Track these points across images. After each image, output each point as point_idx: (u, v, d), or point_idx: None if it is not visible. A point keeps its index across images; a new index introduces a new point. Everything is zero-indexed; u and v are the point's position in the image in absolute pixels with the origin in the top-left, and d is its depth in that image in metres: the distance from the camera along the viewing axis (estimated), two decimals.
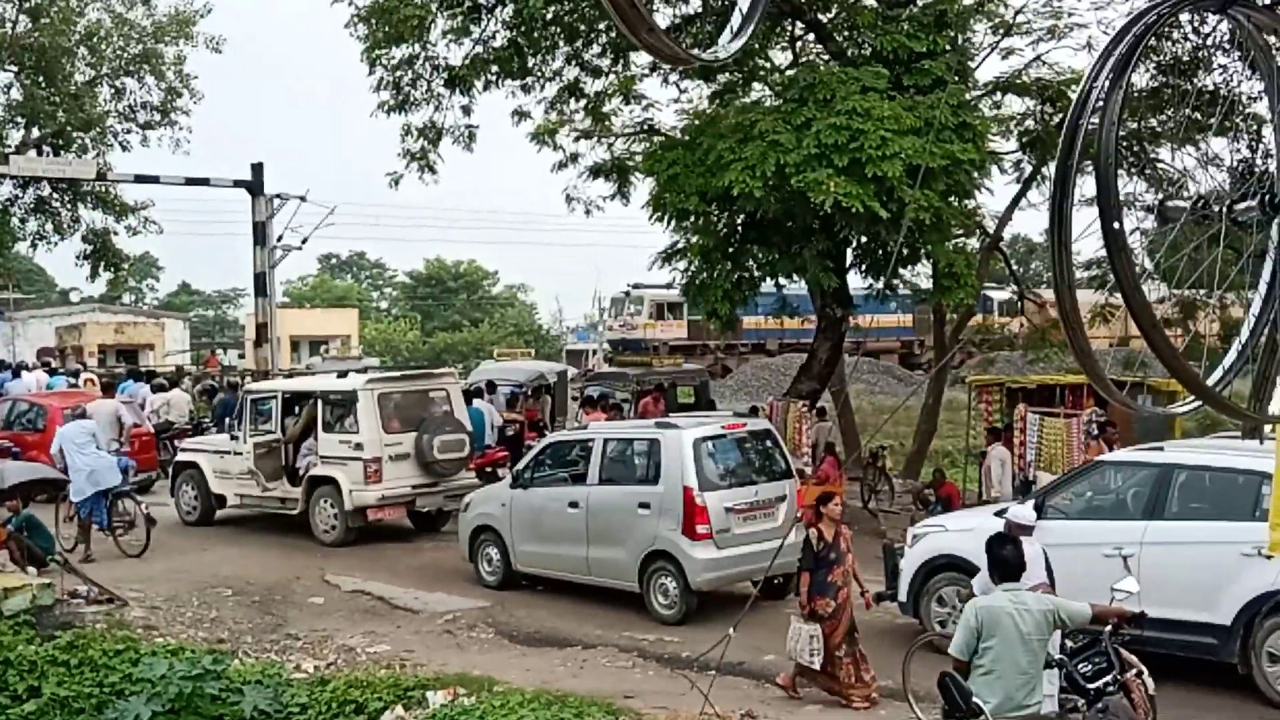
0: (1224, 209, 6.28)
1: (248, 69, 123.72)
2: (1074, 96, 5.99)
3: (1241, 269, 6.84)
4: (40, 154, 36.42)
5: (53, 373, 31.05)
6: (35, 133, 37.06)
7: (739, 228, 20.63)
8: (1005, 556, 8.19)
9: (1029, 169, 25.01)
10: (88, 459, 17.51)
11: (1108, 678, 8.65)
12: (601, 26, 21.11)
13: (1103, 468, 13.25)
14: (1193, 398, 6.58)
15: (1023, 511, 11.17)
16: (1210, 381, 6.39)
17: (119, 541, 17.97)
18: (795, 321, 57.60)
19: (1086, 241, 6.05)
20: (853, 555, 11.97)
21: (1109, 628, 8.90)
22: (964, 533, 12.95)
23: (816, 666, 11.47)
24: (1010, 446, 20.08)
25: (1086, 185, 5.91)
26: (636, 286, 58.60)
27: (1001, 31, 23.11)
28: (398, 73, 22.12)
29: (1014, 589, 8.01)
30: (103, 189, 37.28)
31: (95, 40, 36.78)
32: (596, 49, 22.39)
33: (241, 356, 60.10)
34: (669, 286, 57.69)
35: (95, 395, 24.10)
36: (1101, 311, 21.58)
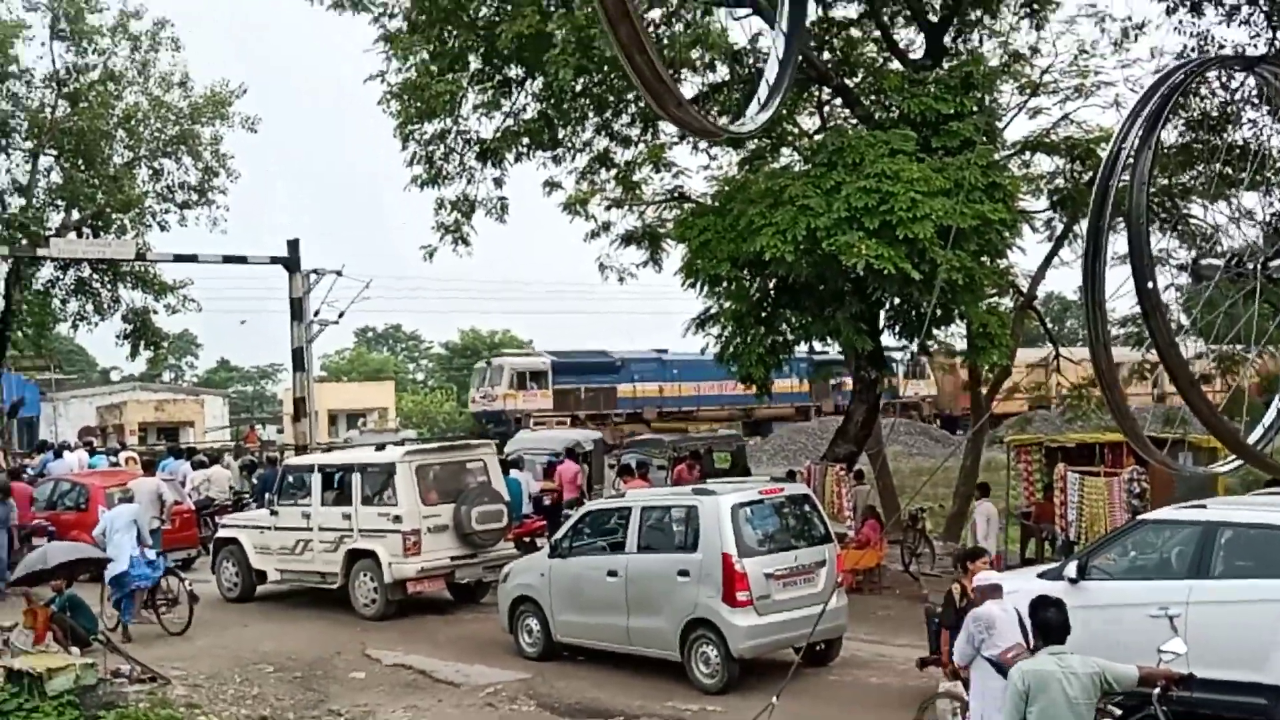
0: (1259, 265, 6.27)
1: (283, 147, 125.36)
2: (1103, 154, 6.02)
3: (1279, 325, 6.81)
4: (80, 236, 36.98)
5: (94, 452, 31.29)
6: (75, 215, 37.61)
7: (771, 292, 20.67)
8: (1049, 619, 8.10)
9: (1060, 227, 25.01)
10: (122, 550, 17.58)
11: None
12: (630, 97, 21.32)
13: (1145, 526, 13.10)
14: (1233, 456, 6.54)
15: (989, 575, 10.92)
16: (1251, 439, 6.35)
17: (161, 619, 18.03)
18: (674, 388, 57.04)
19: (1122, 300, 6.06)
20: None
21: (1157, 690, 8.77)
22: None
23: None
24: (1050, 506, 19.94)
25: (1119, 243, 5.92)
26: (497, 354, 57.50)
27: (1029, 91, 23.23)
28: (430, 147, 22.41)
29: (1059, 652, 7.93)
30: (142, 269, 37.76)
31: (133, 123, 37.37)
32: (625, 119, 22.61)
33: (280, 431, 60.47)
34: (537, 354, 55.54)
35: (137, 474, 24.28)
36: (1139, 369, 21.47)
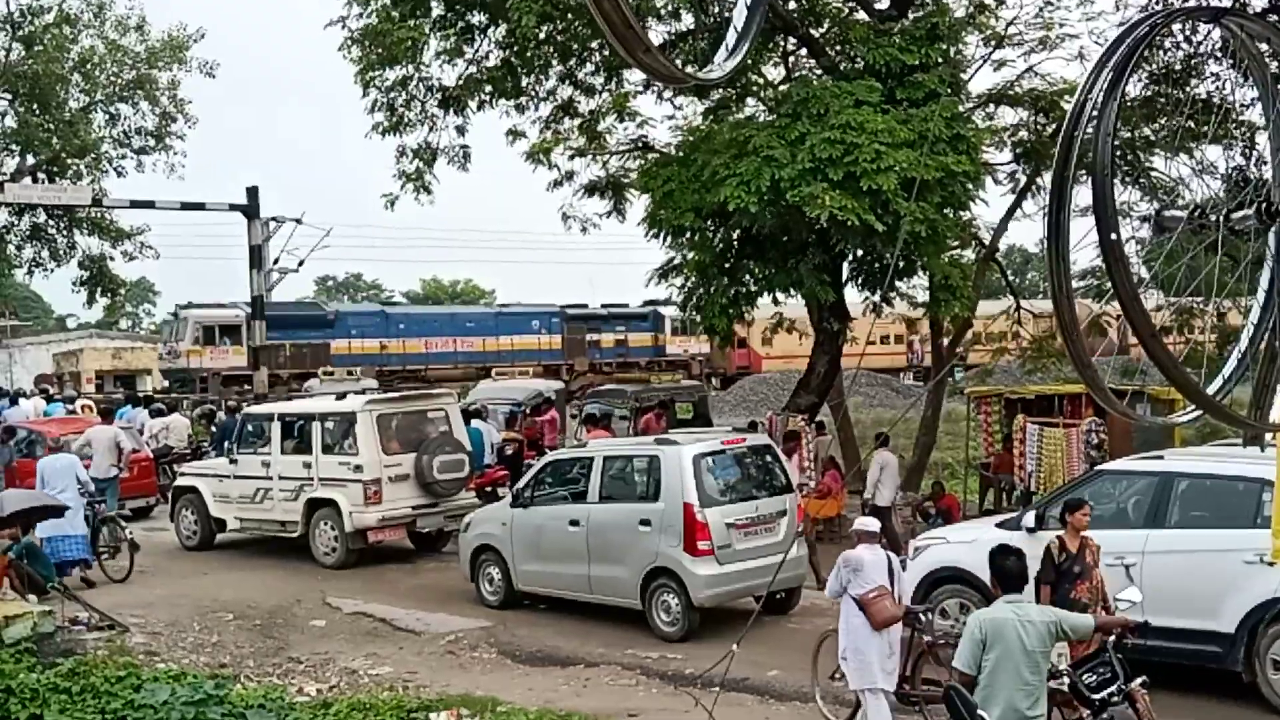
0: (1220, 217, 6.28)
1: (242, 92, 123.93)
2: (1067, 107, 6.01)
3: (1239, 277, 6.85)
4: (35, 181, 36.54)
5: (50, 399, 31.04)
6: (30, 160, 37.17)
7: (735, 243, 20.63)
8: (1007, 568, 8.18)
9: (1023, 179, 25.07)
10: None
11: (1112, 688, 8.63)
12: (594, 45, 21.13)
13: (1103, 477, 13.23)
14: (1193, 407, 6.58)
15: (867, 521, 11.29)
16: (1210, 390, 6.39)
17: (104, 566, 17.98)
18: (399, 344, 53.12)
19: (1083, 251, 6.07)
20: (1100, 570, 10.70)
21: (1112, 638, 8.88)
22: (965, 545, 12.94)
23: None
24: (1009, 457, 20.12)
25: (1082, 195, 5.93)
26: (186, 306, 52.23)
27: (993, 43, 23.21)
28: (391, 94, 22.14)
29: (1016, 600, 8.01)
30: (98, 215, 37.40)
31: (89, 67, 36.90)
32: (590, 67, 22.42)
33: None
34: (231, 305, 49.90)
35: (94, 421, 24.10)
36: (1097, 321, 21.60)
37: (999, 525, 13.02)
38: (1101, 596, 10.41)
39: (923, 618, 11.25)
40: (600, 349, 57.92)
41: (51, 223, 37.90)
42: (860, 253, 20.14)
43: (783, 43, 22.28)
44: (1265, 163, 6.89)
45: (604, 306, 59.98)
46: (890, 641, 10.56)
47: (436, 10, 21.09)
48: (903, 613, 10.75)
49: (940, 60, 19.43)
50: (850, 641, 10.61)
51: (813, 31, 21.61)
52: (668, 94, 22.98)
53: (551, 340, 56.29)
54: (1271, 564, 10.07)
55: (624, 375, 53.26)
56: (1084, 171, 5.81)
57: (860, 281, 21.13)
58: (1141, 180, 20.65)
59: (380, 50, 21.05)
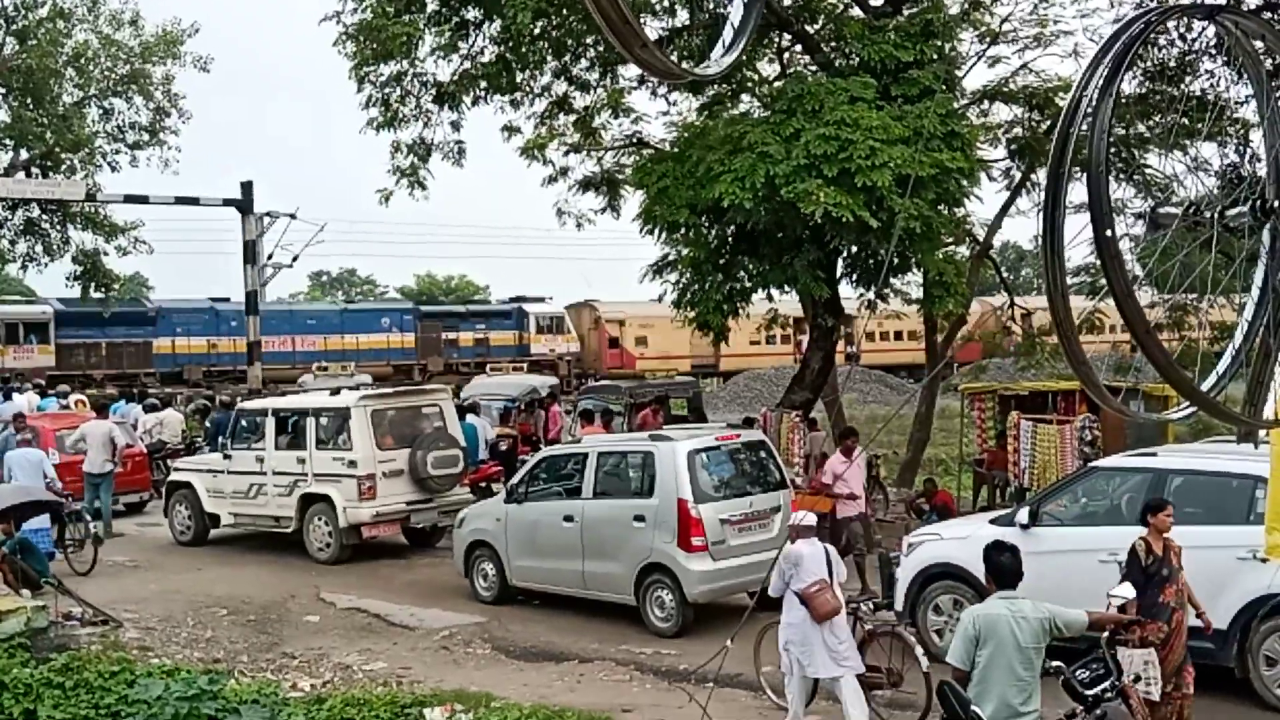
0: (1215, 214, 6.29)
1: (236, 87, 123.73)
2: (1061, 103, 6.02)
3: (1233, 274, 6.85)
4: (29, 176, 36.48)
5: (44, 394, 31.00)
6: (24, 154, 37.12)
7: (729, 239, 20.64)
8: (1002, 564, 8.18)
9: (1018, 176, 25.10)
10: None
11: (1105, 684, 8.64)
12: (590, 41, 21.13)
13: (1097, 473, 13.25)
14: (1187, 404, 6.59)
15: (804, 516, 11.51)
16: (1205, 387, 6.39)
17: (70, 559, 17.93)
18: (230, 343, 48.33)
19: (1077, 248, 6.07)
20: (1184, 572, 10.36)
21: (1106, 634, 8.90)
22: (959, 541, 12.95)
23: (1156, 697, 9.74)
24: (1003, 453, 20.12)
25: (1077, 192, 5.93)
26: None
27: (988, 40, 23.22)
28: (386, 90, 22.11)
29: (1010, 596, 8.02)
30: (92, 210, 37.33)
31: (83, 61, 36.85)
32: (585, 63, 22.42)
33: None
34: (41, 301, 46.44)
35: (88, 416, 24.08)
36: (1091, 319, 21.63)
37: (993, 522, 13.03)
38: (1188, 599, 10.22)
39: (863, 608, 11.56)
40: (458, 348, 55.37)
41: (45, 217, 37.84)
42: (855, 249, 20.16)
43: (778, 39, 22.29)
44: (1259, 160, 6.89)
45: (464, 303, 58.39)
46: (836, 631, 10.82)
47: (431, 5, 21.08)
48: (843, 603, 11.01)
49: (935, 57, 19.45)
50: (791, 634, 10.94)
51: (808, 28, 21.61)
52: (663, 90, 22.98)
53: (404, 339, 53.64)
54: (1265, 560, 10.09)
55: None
56: (1079, 168, 5.81)
57: (855, 278, 21.16)
58: (1136, 177, 20.67)
59: (375, 45, 21.02)
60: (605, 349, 53.64)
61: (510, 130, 23.32)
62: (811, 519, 11.49)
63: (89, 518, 18.54)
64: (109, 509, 21.18)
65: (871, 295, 20.90)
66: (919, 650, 11.13)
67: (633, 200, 23.07)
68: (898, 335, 52.95)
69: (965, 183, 19.65)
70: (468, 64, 21.71)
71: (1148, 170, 20.28)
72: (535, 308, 55.23)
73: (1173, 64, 14.92)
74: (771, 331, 51.61)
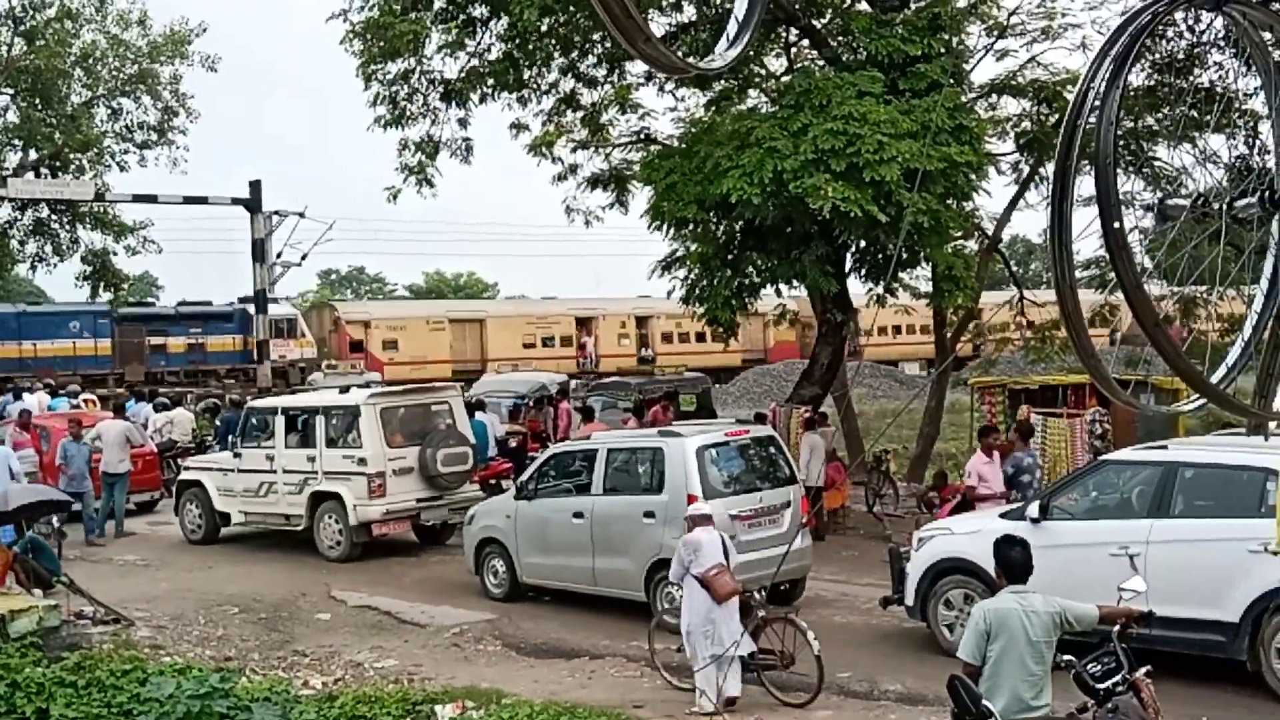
0: (1224, 206, 6.27)
1: (243, 86, 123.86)
2: (1070, 97, 6.01)
3: (1242, 266, 6.84)
4: (38, 176, 36.54)
5: (54, 394, 31.07)
6: (33, 155, 37.19)
7: (738, 235, 20.62)
8: (1013, 558, 8.15)
9: (1026, 170, 25.04)
10: None
11: (1117, 678, 8.61)
12: (596, 37, 21.13)
13: (1107, 467, 13.22)
14: (1197, 396, 6.57)
15: (701, 505, 12.39)
16: (1214, 379, 6.38)
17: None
18: (13, 348, 43.71)
19: (1086, 241, 6.06)
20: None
21: (1117, 628, 8.87)
22: (970, 535, 12.92)
23: None
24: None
25: (1085, 185, 5.91)
26: None
27: (996, 33, 23.16)
28: (393, 87, 22.15)
29: (1021, 591, 7.99)
30: (101, 209, 37.40)
31: (91, 61, 36.91)
32: (592, 60, 22.42)
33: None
34: None
35: (100, 415, 24.17)
36: (1101, 311, 21.60)
37: (1003, 516, 13.01)
38: None
39: (756, 595, 12.14)
40: (167, 355, 48.09)
41: (54, 217, 37.92)
42: (863, 244, 20.14)
43: (785, 34, 22.26)
44: (1268, 151, 6.87)
45: (179, 305, 51.41)
46: (730, 611, 11.56)
47: (438, 3, 21.10)
48: (741, 586, 11.72)
49: (942, 51, 19.43)
50: (693, 618, 11.60)
51: (815, 22, 21.59)
52: (670, 86, 22.96)
53: (99, 345, 46.00)
54: (1276, 553, 10.05)
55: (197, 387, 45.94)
56: (1087, 161, 5.80)
57: (863, 273, 21.12)
58: (1144, 170, 20.60)
59: (382, 43, 21.07)
60: (346, 353, 49.16)
61: (518, 127, 23.36)
62: (706, 508, 12.33)
63: (55, 521, 18.43)
64: (123, 508, 21.26)
65: (880, 290, 20.87)
66: (810, 635, 11.63)
67: (641, 196, 23.10)
68: (898, 329, 52.84)
69: (973, 177, 19.63)
70: (475, 61, 21.74)
71: (1156, 163, 20.22)
72: (278, 312, 47.67)
73: (1181, 56, 14.87)
74: (550, 334, 51.27)
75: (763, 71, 22.60)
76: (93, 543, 20.17)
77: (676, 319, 51.97)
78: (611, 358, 53.07)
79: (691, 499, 14.19)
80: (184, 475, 21.60)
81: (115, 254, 39.13)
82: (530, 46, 21.02)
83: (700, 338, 51.70)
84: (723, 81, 21.29)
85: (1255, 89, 7.08)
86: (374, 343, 49.37)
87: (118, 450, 21.04)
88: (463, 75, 21.83)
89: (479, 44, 21.60)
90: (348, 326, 51.67)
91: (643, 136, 23.92)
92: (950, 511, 16.51)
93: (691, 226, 20.47)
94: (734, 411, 35.64)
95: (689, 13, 21.57)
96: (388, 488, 18.83)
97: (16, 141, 37.43)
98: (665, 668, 12.49)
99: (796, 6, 21.19)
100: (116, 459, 20.98)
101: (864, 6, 21.36)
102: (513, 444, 24.04)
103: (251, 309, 45.93)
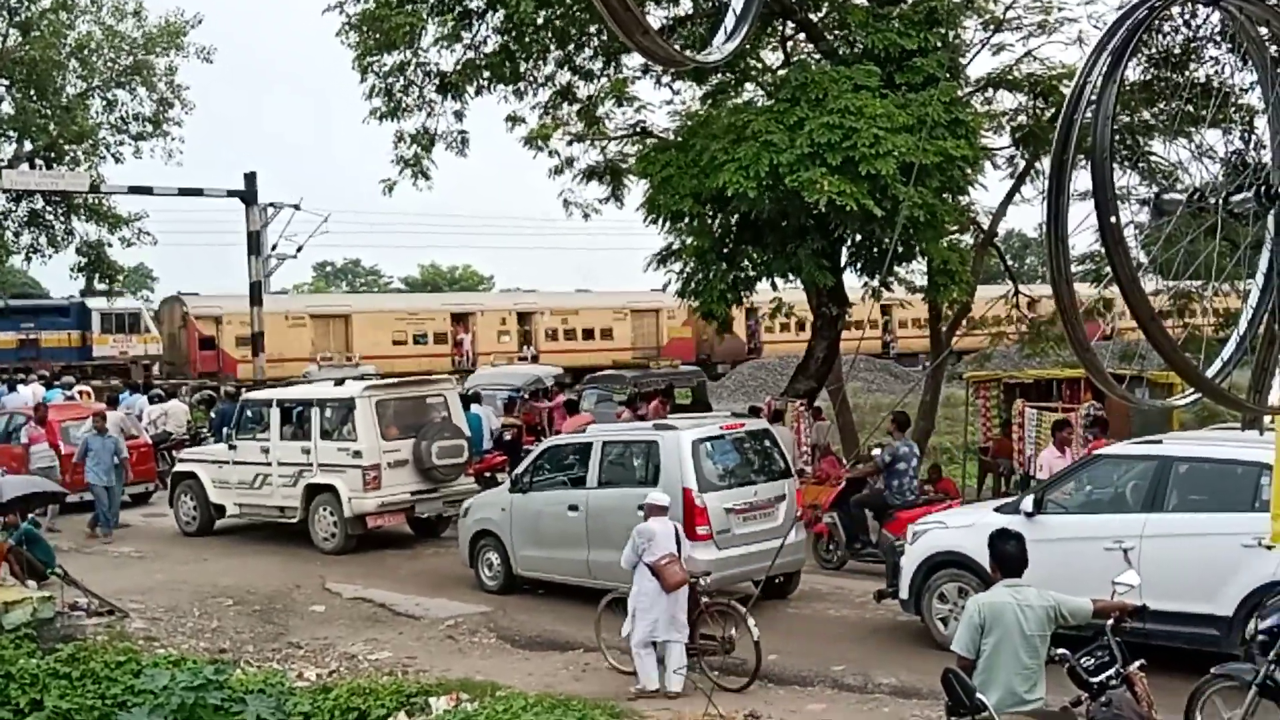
0: (1220, 201, 6.27)
1: (239, 78, 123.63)
2: (1066, 91, 6.00)
3: (1238, 260, 6.84)
4: (33, 167, 36.47)
5: (49, 385, 31.04)
6: (27, 146, 37.12)
7: (734, 228, 20.62)
8: (1007, 552, 8.18)
9: (1022, 164, 25.00)
10: None
11: (1110, 671, 8.63)
12: (593, 30, 21.09)
13: (1101, 461, 13.24)
14: (1192, 390, 6.58)
15: (657, 496, 12.71)
16: (1209, 374, 6.39)
17: None
18: None
19: (1081, 236, 6.06)
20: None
21: (1111, 622, 8.89)
22: (964, 529, 12.93)
23: None
24: (1008, 441, 20.10)
25: (1081, 179, 5.91)
26: None
27: (992, 27, 23.12)
28: (389, 79, 22.10)
29: (1015, 584, 8.01)
30: (96, 201, 37.37)
31: (86, 53, 36.84)
32: (588, 52, 22.38)
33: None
34: None
35: (94, 407, 24.13)
36: (1096, 306, 21.58)
37: (997, 510, 13.02)
38: None
39: (702, 582, 12.46)
40: None
41: (49, 209, 37.87)
42: (859, 238, 20.14)
43: (781, 27, 22.23)
44: (1264, 146, 6.88)
45: (9, 299, 48.54)
46: (679, 601, 11.99)
47: None
48: (689, 577, 12.11)
49: (939, 45, 19.41)
50: (639, 602, 12.01)
51: (811, 16, 21.57)
52: (666, 79, 22.92)
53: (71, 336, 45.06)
54: (1270, 547, 10.07)
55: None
56: (1083, 155, 5.80)
57: (859, 267, 21.11)
58: (1141, 164, 20.59)
59: (378, 35, 21.03)
60: (196, 350, 46.36)
61: (514, 120, 23.29)
62: (664, 499, 12.68)
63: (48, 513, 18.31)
64: (118, 500, 21.24)
65: (876, 284, 20.86)
66: (750, 622, 12.00)
67: (637, 190, 23.07)
68: (901, 323, 52.50)
69: (969, 171, 19.63)
70: (471, 54, 21.70)
71: (1152, 157, 20.22)
72: (101, 303, 46.19)
73: (1177, 50, 14.89)
74: (422, 330, 48.41)
75: (759, 65, 22.56)
76: (104, 537, 20.07)
77: (562, 315, 50.63)
78: (491, 356, 48.55)
79: (687, 492, 14.22)
80: (179, 467, 21.62)
81: (110, 246, 39.14)
82: (526, 39, 20.99)
83: (588, 335, 50.71)
84: (719, 75, 21.27)
85: (1251, 84, 7.08)
86: (227, 339, 45.89)
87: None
88: (458, 67, 21.79)
89: (475, 36, 21.55)
90: (198, 322, 47.51)
91: (639, 130, 23.88)
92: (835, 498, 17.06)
93: (687, 220, 20.45)
94: (729, 405, 35.63)
95: (686, 6, 21.53)
96: (383, 480, 18.84)
97: (11, 133, 37.37)
98: (609, 649, 12.86)
99: (793, 0, 21.17)
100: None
101: (860, 0, 21.34)
102: (508, 437, 24.04)
103: (90, 303, 45.27)
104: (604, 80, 22.91)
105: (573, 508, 15.41)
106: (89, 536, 20.02)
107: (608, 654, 12.84)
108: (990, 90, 23.76)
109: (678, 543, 12.27)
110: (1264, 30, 6.76)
